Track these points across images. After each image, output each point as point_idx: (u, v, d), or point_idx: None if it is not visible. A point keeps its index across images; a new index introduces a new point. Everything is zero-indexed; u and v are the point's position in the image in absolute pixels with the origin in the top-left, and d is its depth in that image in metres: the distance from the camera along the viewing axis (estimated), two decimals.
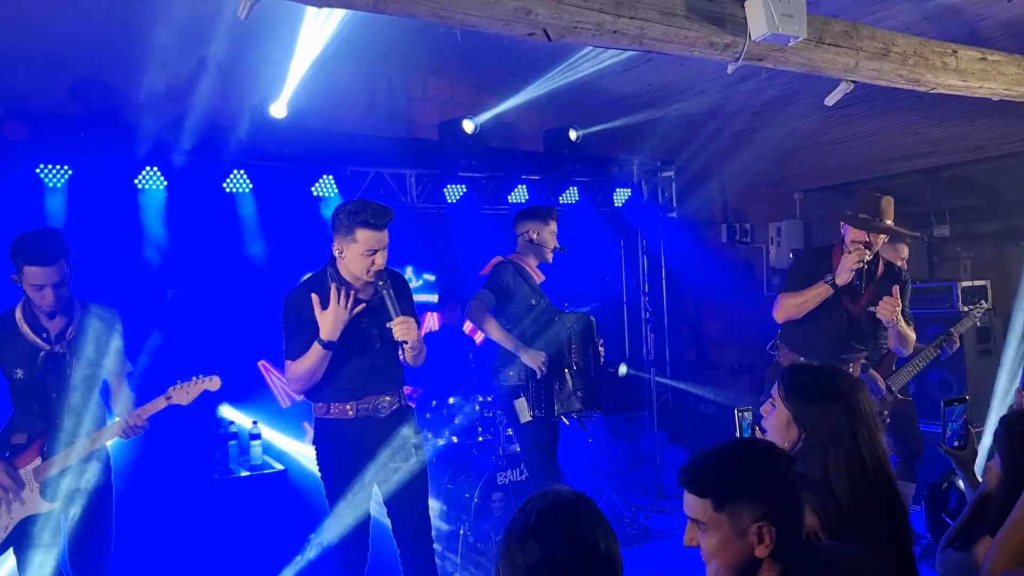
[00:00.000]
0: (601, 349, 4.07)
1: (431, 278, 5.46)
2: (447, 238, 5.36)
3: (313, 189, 4.75)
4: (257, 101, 4.45)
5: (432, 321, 5.45)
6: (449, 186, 5.23)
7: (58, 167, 4.02)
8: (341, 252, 2.81)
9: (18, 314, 2.86)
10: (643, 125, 5.46)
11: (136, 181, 4.24)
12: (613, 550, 1.27)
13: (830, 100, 3.64)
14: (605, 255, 6.02)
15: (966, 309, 4.48)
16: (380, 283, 2.83)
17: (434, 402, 4.71)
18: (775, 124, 5.31)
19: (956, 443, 2.10)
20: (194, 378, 2.92)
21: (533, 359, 3.74)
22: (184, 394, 2.90)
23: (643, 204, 6.04)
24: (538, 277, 4.03)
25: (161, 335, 3.98)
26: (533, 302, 3.90)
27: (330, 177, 4.76)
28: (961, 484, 3.86)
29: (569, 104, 5.35)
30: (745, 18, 2.96)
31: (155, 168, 4.24)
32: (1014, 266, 5.89)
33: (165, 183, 4.30)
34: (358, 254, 2.77)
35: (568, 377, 3.82)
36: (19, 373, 2.85)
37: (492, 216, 5.43)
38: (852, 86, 3.53)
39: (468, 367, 4.88)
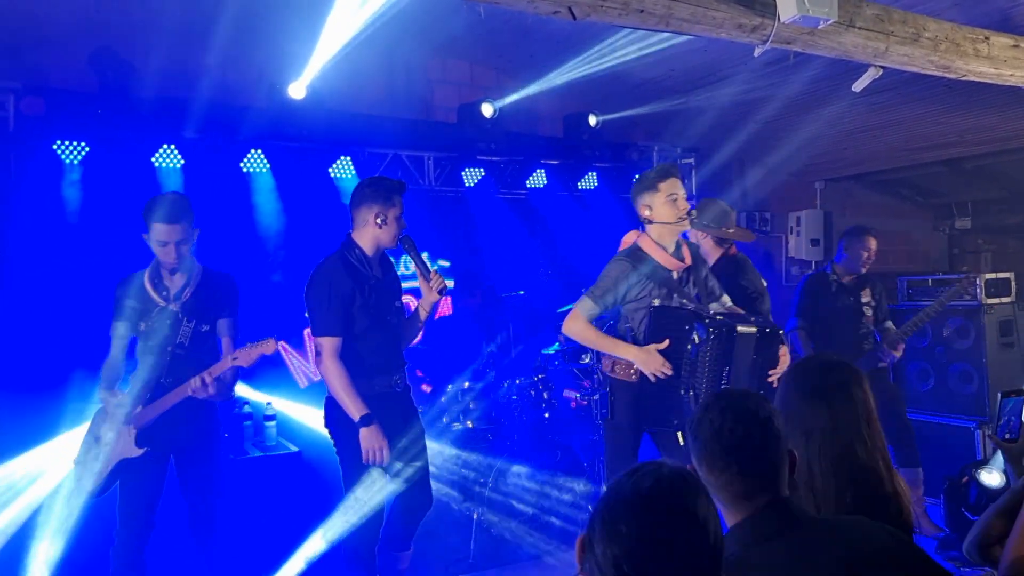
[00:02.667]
0: None
1: (446, 264, 5.45)
2: (465, 222, 5.33)
3: (331, 170, 4.73)
4: (276, 81, 4.42)
5: (446, 306, 5.46)
6: (467, 169, 5.20)
7: (75, 143, 4.01)
8: (373, 220, 3.10)
9: (146, 274, 3.20)
10: (664, 112, 5.40)
11: (153, 159, 4.22)
12: (719, 536, 1.18)
13: (858, 86, 3.58)
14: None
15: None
16: (404, 244, 3.19)
17: (450, 386, 4.70)
18: (799, 111, 5.23)
19: (1007, 435, 2.01)
20: (248, 344, 3.10)
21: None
22: (247, 356, 3.07)
23: None
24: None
25: None
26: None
27: (347, 158, 4.74)
28: (982, 478, 3.88)
29: (590, 89, 5.29)
30: None
31: (171, 146, 4.23)
32: None
33: (182, 161, 4.28)
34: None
35: None
36: (142, 326, 3.15)
37: (509, 200, 5.40)
38: (881, 72, 3.46)
39: (482, 352, 4.87)
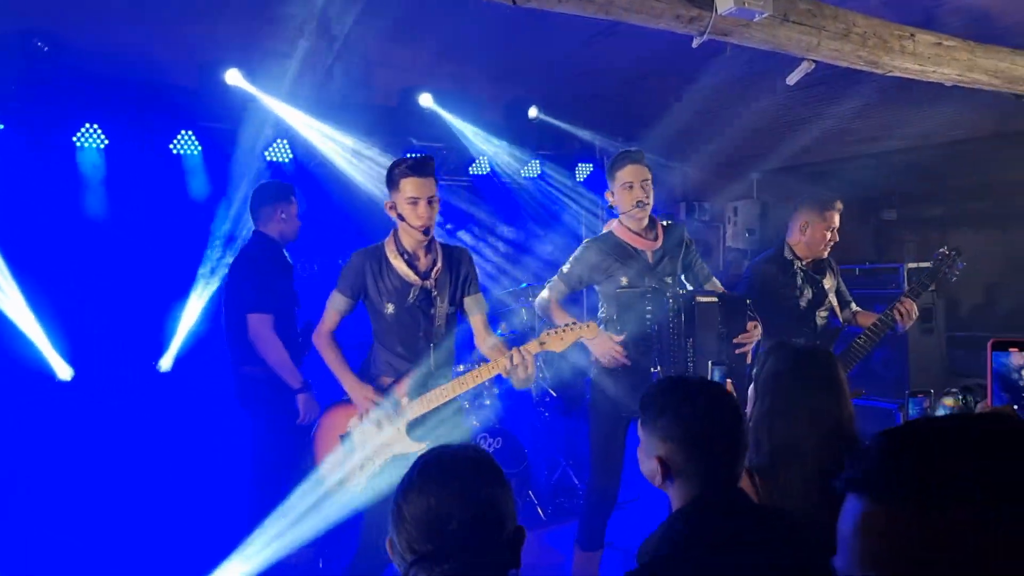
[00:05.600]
0: None
1: None
2: None
3: (267, 154, 4.60)
4: (211, 61, 4.27)
5: None
6: (408, 155, 5.11)
7: None
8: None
9: (389, 247, 2.87)
10: (607, 101, 5.42)
11: (74, 139, 4.02)
12: (495, 496, 1.30)
13: (791, 79, 3.66)
14: (567, 227, 5.98)
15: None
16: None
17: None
18: (737, 104, 5.31)
19: None
20: (567, 325, 2.81)
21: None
22: (558, 340, 2.78)
23: (605, 179, 5.94)
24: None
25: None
26: None
27: (284, 141, 4.63)
28: None
29: (532, 76, 5.28)
30: None
31: (95, 125, 4.03)
32: None
33: (105, 141, 4.08)
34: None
35: None
36: (390, 308, 2.86)
37: (451, 187, 5.37)
38: (813, 65, 3.55)
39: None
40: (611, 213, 3.46)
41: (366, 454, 2.83)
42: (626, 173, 3.22)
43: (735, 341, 3.03)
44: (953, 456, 0.62)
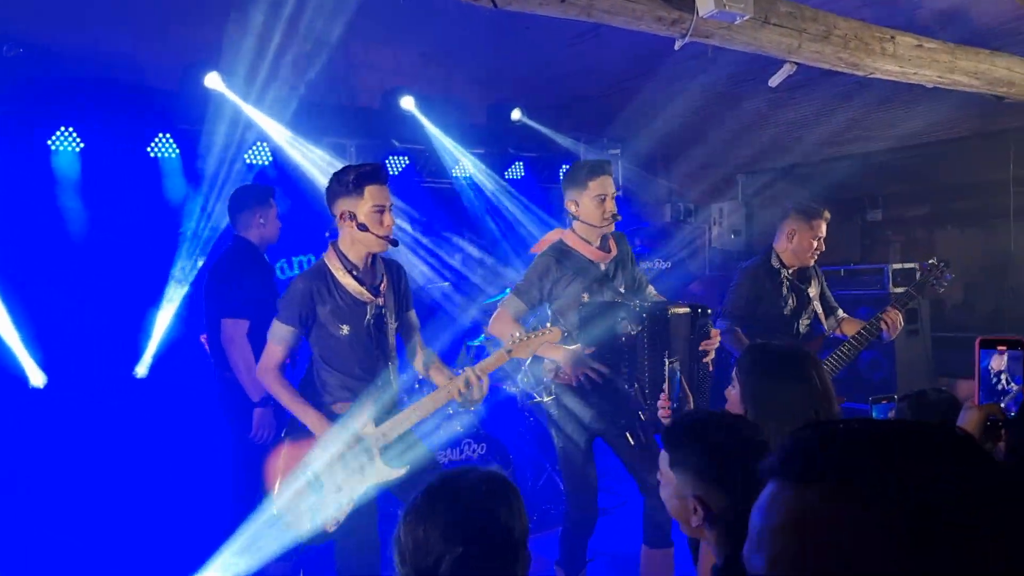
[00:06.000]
0: None
1: None
2: None
3: (246, 156, 4.55)
4: (190, 64, 4.22)
5: None
6: (391, 158, 5.10)
7: None
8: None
9: (333, 264, 2.69)
10: (590, 103, 5.41)
11: (49, 142, 3.95)
12: (509, 522, 1.32)
13: (773, 81, 3.66)
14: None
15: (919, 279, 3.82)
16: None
17: None
18: (722, 105, 5.30)
19: None
20: (533, 331, 2.79)
21: None
22: (524, 347, 2.75)
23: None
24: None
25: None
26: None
27: (264, 144, 4.59)
28: None
29: (515, 78, 5.26)
30: None
31: (70, 128, 3.97)
32: (943, 249, 6.01)
33: (81, 145, 4.02)
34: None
35: None
36: (344, 330, 2.68)
37: (433, 190, 5.33)
38: (795, 68, 3.54)
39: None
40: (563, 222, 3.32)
41: (340, 497, 2.66)
42: (599, 184, 3.07)
43: (701, 348, 2.95)
44: (857, 451, 0.66)
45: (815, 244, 3.72)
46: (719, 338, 3.02)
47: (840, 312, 3.93)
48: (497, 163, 5.51)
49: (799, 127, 5.77)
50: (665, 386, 2.43)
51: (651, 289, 3.34)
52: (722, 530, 1.48)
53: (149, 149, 4.26)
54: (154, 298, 4.30)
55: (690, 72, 4.77)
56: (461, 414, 4.40)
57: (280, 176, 4.66)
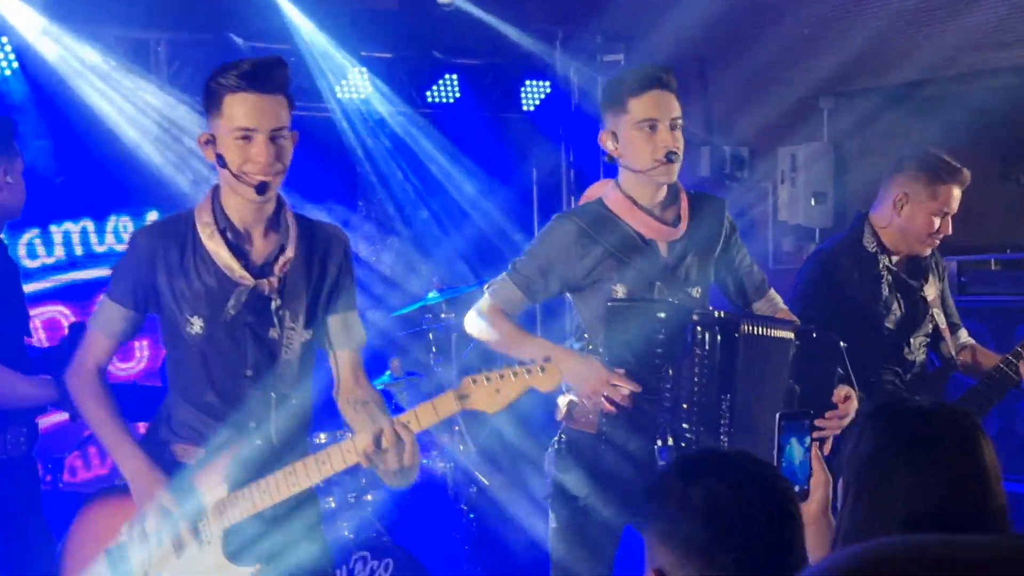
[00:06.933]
0: None
1: None
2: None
3: None
4: None
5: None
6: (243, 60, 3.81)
7: None
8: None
9: (202, 219, 2.10)
10: None
11: None
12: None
13: None
14: (505, 194, 4.74)
15: None
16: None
17: None
18: None
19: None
20: (510, 369, 2.18)
21: None
22: (490, 393, 2.14)
23: (571, 109, 4.91)
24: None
25: None
26: None
27: (3, 39, 3.72)
28: None
29: None
30: None
31: None
32: None
33: None
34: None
35: None
36: (196, 326, 2.12)
37: (298, 122, 4.10)
38: None
39: None
40: (609, 170, 2.69)
41: None
42: (645, 103, 2.44)
43: (818, 423, 2.29)
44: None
45: (937, 223, 2.93)
46: (853, 404, 2.42)
47: (964, 333, 3.19)
48: (414, 77, 4.35)
49: (924, 19, 4.37)
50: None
51: (777, 299, 2.69)
52: None
53: None
54: None
55: None
56: (346, 508, 3.47)
57: (35, 98, 3.76)
